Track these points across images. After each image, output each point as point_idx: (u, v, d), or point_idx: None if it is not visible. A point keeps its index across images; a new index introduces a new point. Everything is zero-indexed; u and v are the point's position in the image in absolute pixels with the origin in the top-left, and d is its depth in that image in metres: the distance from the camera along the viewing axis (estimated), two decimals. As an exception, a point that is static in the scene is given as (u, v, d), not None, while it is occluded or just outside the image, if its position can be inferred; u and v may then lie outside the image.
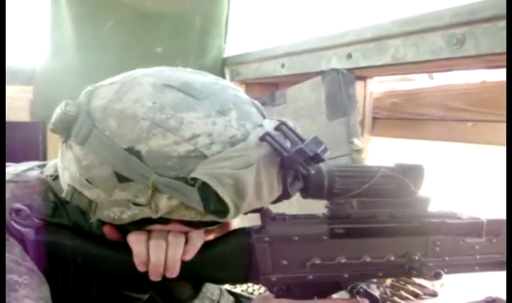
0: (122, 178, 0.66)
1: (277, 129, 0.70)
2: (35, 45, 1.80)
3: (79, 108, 0.70)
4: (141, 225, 0.71)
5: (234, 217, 0.68)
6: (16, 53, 1.72)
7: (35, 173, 0.79)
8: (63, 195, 0.73)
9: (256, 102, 0.76)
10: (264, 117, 0.74)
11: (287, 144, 0.69)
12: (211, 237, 0.76)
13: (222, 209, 0.65)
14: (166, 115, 0.66)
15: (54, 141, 1.83)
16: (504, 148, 1.01)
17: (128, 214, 0.68)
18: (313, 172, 0.71)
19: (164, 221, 0.70)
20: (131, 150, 0.66)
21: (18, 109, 1.72)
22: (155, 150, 0.65)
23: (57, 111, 0.70)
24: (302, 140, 0.70)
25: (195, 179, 0.65)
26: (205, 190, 0.64)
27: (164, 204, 0.66)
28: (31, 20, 1.81)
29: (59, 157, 0.75)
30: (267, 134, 0.68)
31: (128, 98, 0.68)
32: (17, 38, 1.75)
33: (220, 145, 0.66)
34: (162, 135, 0.65)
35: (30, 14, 1.81)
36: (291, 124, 0.73)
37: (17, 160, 0.85)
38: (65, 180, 0.72)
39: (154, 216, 0.67)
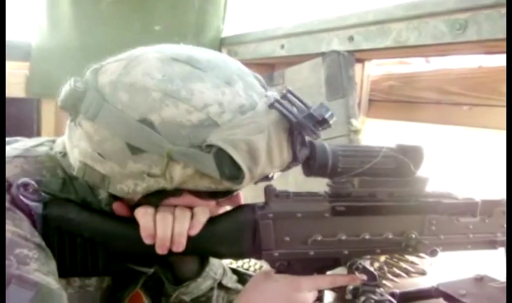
0: (135, 150, 0.67)
1: (283, 97, 0.72)
2: (31, 20, 1.77)
3: (88, 85, 0.71)
4: (155, 198, 0.72)
5: (249, 183, 0.70)
6: (12, 28, 1.70)
7: (44, 149, 0.79)
8: (74, 172, 0.73)
9: (258, 75, 0.77)
10: (266, 89, 0.76)
11: (294, 110, 0.71)
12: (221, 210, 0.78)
13: (237, 175, 0.67)
14: (177, 86, 0.67)
15: (47, 118, 1.82)
16: (498, 132, 1.04)
17: (143, 186, 0.70)
18: (321, 136, 0.72)
19: (177, 192, 0.71)
20: (144, 121, 0.67)
21: (13, 85, 1.70)
22: (168, 120, 0.66)
23: (66, 88, 0.71)
24: (307, 107, 0.72)
25: (210, 146, 0.66)
26: (220, 157, 0.66)
27: (179, 173, 0.68)
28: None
29: (66, 136, 0.75)
30: (276, 100, 0.70)
31: (136, 72, 0.69)
32: (13, 13, 1.72)
33: (231, 114, 0.68)
34: (174, 105, 0.67)
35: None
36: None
37: (9, 136, 0.83)
38: (75, 158, 0.73)
39: (169, 186, 0.69)
